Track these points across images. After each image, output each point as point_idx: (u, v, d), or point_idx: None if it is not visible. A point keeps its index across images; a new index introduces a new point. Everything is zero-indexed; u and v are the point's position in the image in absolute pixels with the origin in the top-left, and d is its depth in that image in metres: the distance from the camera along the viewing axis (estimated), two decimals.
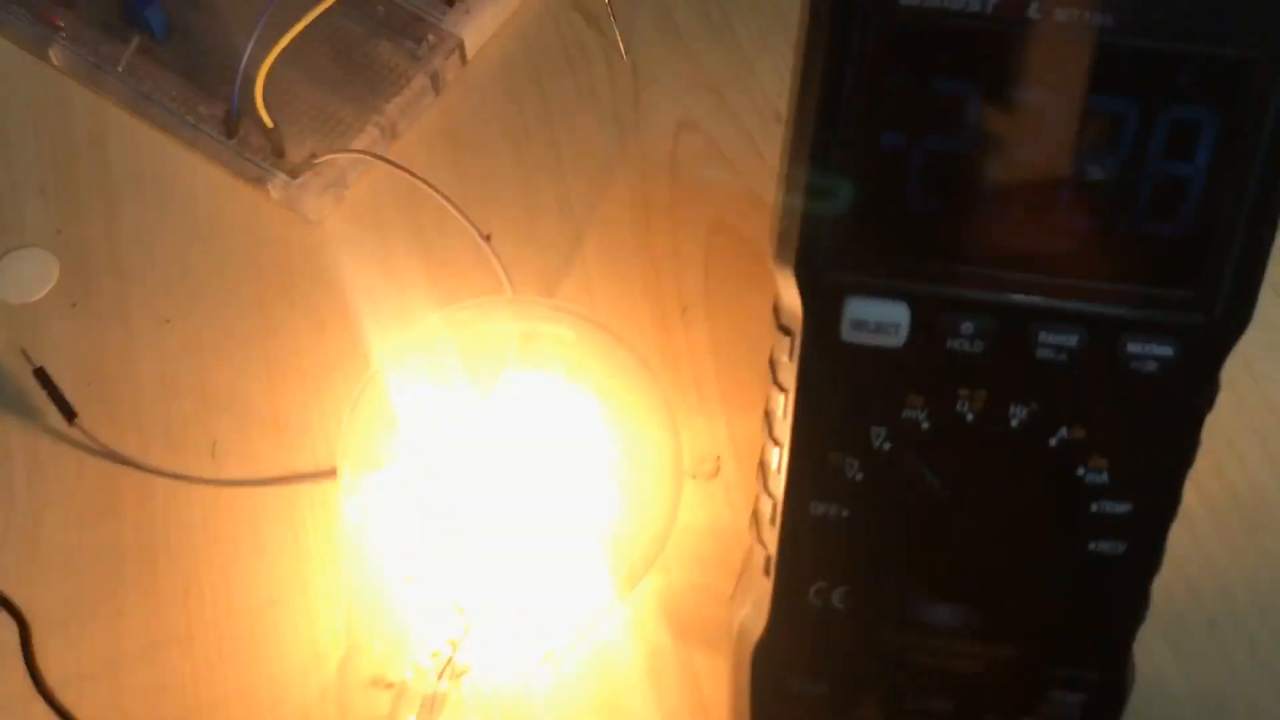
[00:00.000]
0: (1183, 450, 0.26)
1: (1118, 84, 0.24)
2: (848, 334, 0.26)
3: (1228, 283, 0.25)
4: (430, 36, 0.42)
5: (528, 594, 0.33)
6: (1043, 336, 0.26)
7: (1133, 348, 0.25)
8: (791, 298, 0.26)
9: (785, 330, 0.27)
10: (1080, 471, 0.27)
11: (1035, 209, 0.25)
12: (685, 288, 0.40)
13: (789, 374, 0.27)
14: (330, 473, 0.36)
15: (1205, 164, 0.24)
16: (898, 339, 0.26)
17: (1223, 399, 0.40)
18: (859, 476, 0.27)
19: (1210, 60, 0.24)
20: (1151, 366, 0.25)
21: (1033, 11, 0.24)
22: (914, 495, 0.27)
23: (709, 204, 0.42)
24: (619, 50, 0.43)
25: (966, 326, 0.26)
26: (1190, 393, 0.26)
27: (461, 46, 0.42)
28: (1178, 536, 0.37)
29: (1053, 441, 0.27)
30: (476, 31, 0.42)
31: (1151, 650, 0.35)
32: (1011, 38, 0.24)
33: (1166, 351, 0.25)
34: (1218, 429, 0.39)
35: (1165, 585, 0.36)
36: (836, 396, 0.27)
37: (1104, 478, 0.27)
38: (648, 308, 0.40)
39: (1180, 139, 0.24)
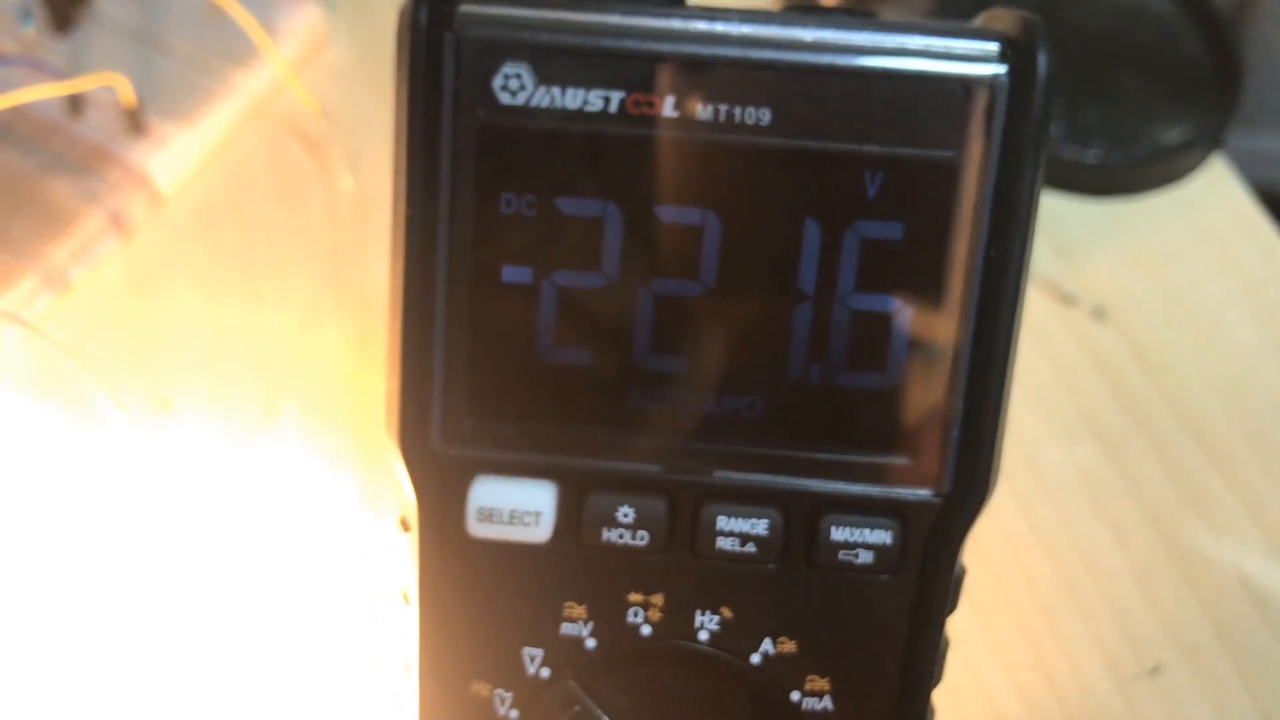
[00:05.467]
0: (920, 663, 0.20)
1: (789, 197, 0.19)
2: (476, 527, 0.20)
3: (955, 444, 0.20)
4: (116, 172, 0.36)
5: None
6: (722, 522, 0.20)
7: (838, 534, 0.20)
8: (405, 485, 0.20)
9: (404, 525, 0.21)
10: (795, 697, 0.21)
11: (702, 357, 0.19)
12: None
13: (411, 583, 0.21)
14: None
15: (911, 296, 0.19)
16: (541, 531, 0.20)
17: (1042, 570, 0.36)
18: (513, 715, 0.21)
19: (900, 164, 0.19)
20: (865, 558, 0.20)
21: (669, 108, 0.18)
22: None
23: None
24: (342, 179, 0.38)
25: (625, 513, 0.20)
26: (920, 589, 0.20)
27: (151, 182, 0.36)
28: None
29: (756, 659, 0.20)
30: (172, 165, 0.37)
31: None
32: (648, 143, 0.19)
33: (882, 538, 0.20)
34: (1037, 611, 0.34)
35: None
36: (472, 610, 0.20)
37: (827, 704, 0.21)
38: (364, 478, 0.34)
39: (875, 263, 0.19)
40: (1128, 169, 0.41)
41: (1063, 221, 0.40)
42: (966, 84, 0.18)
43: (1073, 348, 0.38)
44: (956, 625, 0.23)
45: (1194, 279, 0.40)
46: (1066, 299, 0.38)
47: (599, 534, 0.20)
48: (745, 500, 0.19)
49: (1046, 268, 0.39)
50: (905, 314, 0.19)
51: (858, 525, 0.19)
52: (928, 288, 0.19)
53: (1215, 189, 0.41)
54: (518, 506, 0.20)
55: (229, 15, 0.37)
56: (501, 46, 0.18)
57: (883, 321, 0.19)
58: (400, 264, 0.19)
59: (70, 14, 0.38)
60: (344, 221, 0.37)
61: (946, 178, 0.18)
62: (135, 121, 0.37)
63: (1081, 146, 0.40)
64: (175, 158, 0.37)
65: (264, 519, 0.32)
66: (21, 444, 0.32)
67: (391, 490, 0.32)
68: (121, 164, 0.36)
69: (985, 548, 0.33)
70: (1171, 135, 0.42)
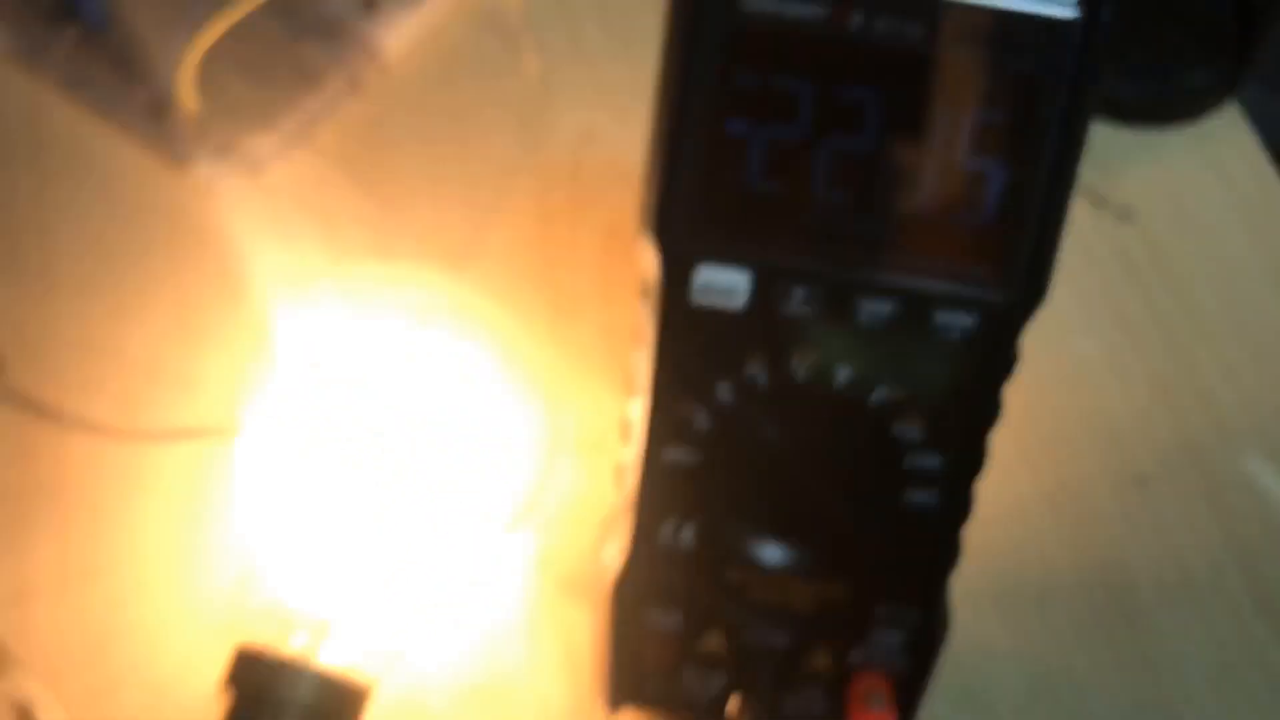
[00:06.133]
0: (986, 411, 0.30)
1: (929, 87, 0.28)
2: (696, 297, 0.30)
3: (1024, 265, 0.29)
4: (351, 40, 0.46)
5: (406, 549, 0.36)
6: (863, 306, 0.29)
7: (941, 318, 0.29)
8: (651, 264, 0.30)
9: (646, 294, 0.30)
10: (896, 428, 0.30)
11: (860, 193, 0.29)
12: (579, 287, 0.44)
13: (648, 334, 0.30)
14: (234, 429, 0.38)
15: (1004, 162, 0.29)
16: (739, 303, 0.30)
17: (1065, 400, 0.45)
18: (707, 426, 0.31)
19: (1006, 72, 0.28)
20: (957, 335, 0.29)
21: (858, 19, 0.28)
22: (754, 444, 0.31)
23: (605, 209, 0.45)
24: (529, 62, 0.47)
25: (798, 294, 0.29)
26: (991, 360, 0.30)
27: (379, 52, 0.46)
28: (1012, 521, 0.41)
29: (872, 400, 0.30)
30: (395, 39, 0.46)
31: (985, 622, 0.39)
32: (839, 42, 0.28)
33: (970, 322, 0.29)
34: (1056, 429, 0.44)
35: (998, 564, 0.40)
36: (688, 353, 0.30)
37: (917, 434, 0.30)
38: (542, 303, 0.43)
39: (984, 137, 0.28)
40: (1156, 105, 0.51)
41: (1099, 144, 0.50)
42: (1053, 21, 0.27)
43: (1102, 244, 0.48)
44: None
45: (1203, 198, 0.49)
46: (1099, 201, 0.47)
47: (778, 307, 0.29)
48: (880, 290, 0.29)
49: (1084, 177, 0.48)
50: (1004, 172, 0.28)
51: (954, 311, 0.29)
52: (1020, 155, 0.28)
53: (1228, 128, 0.51)
54: (726, 285, 0.29)
55: None
56: None
57: (987, 177, 0.28)
58: (665, 112, 0.28)
59: None
60: (530, 99, 0.47)
61: (1037, 83, 0.28)
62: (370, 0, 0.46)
63: (1120, 83, 0.49)
64: (400, 34, 0.46)
65: (471, 339, 0.42)
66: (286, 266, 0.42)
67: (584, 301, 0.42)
68: (358, 36, 0.46)
69: (1021, 380, 0.43)
70: (1196, 79, 0.51)
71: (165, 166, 0.44)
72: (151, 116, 0.43)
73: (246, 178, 0.43)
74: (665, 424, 0.31)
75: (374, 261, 0.41)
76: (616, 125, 0.47)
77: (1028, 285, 0.29)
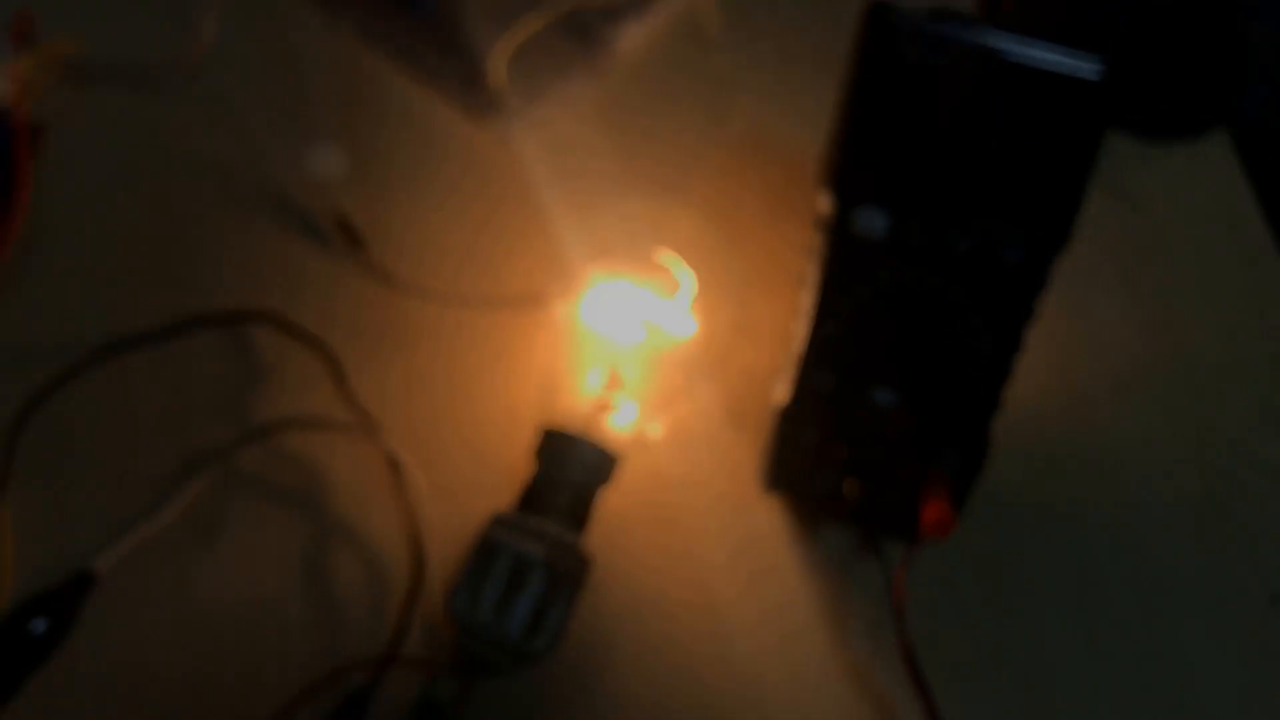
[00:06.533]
0: (1027, 312, 0.49)
1: (1005, 108, 0.47)
2: (857, 229, 0.48)
3: (1056, 217, 0.48)
4: (598, 41, 0.64)
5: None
6: (956, 239, 0.48)
7: (1004, 249, 0.48)
8: (824, 206, 0.49)
9: (818, 226, 0.49)
10: (967, 319, 0.49)
11: (956, 169, 0.47)
12: (749, 222, 0.63)
13: (819, 251, 0.49)
14: (531, 299, 0.58)
15: (1050, 158, 0.47)
16: (881, 233, 0.48)
17: (1076, 321, 0.64)
18: (850, 311, 0.50)
19: (1053, 104, 0.46)
20: (1013, 261, 0.48)
21: (967, 68, 0.46)
22: (879, 324, 0.50)
23: (769, 170, 0.64)
24: (718, 64, 0.65)
25: (916, 228, 0.48)
26: (1033, 279, 0.48)
27: (617, 50, 0.64)
28: (1030, 402, 0.59)
29: (954, 300, 0.49)
30: (626, 41, 0.65)
31: (1009, 469, 0.57)
32: (954, 80, 0.46)
33: (1021, 254, 0.48)
34: (1065, 339, 0.62)
35: (1017, 426, 0.59)
36: (843, 264, 0.49)
37: (981, 324, 0.49)
38: (725, 231, 0.62)
39: (1038, 142, 0.47)
40: (1165, 125, 0.68)
41: (1122, 154, 0.68)
42: (1083, 81, 0.46)
43: (1118, 226, 0.66)
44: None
45: (1196, 196, 0.67)
46: (1119, 194, 0.65)
47: (910, 237, 0.48)
48: (966, 230, 0.47)
49: (1108, 177, 0.66)
50: (1048, 163, 0.46)
51: (1013, 244, 0.47)
52: (1060, 155, 0.46)
53: (1217, 145, 0.68)
54: (873, 223, 0.48)
55: None
56: (910, 32, 0.46)
57: (1037, 164, 0.47)
58: (845, 112, 0.47)
59: None
60: (717, 90, 0.65)
61: (1070, 113, 0.46)
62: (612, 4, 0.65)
63: (1137, 109, 0.67)
64: (629, 38, 0.65)
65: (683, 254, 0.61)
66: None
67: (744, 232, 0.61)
68: (603, 38, 0.64)
69: (1048, 313, 0.61)
70: (1194, 108, 0.68)
71: (471, 123, 0.63)
72: (464, 86, 0.62)
73: (532, 133, 0.62)
74: (823, 308, 0.50)
75: (618, 193, 0.61)
76: (778, 113, 0.65)
77: (1058, 230, 0.48)
